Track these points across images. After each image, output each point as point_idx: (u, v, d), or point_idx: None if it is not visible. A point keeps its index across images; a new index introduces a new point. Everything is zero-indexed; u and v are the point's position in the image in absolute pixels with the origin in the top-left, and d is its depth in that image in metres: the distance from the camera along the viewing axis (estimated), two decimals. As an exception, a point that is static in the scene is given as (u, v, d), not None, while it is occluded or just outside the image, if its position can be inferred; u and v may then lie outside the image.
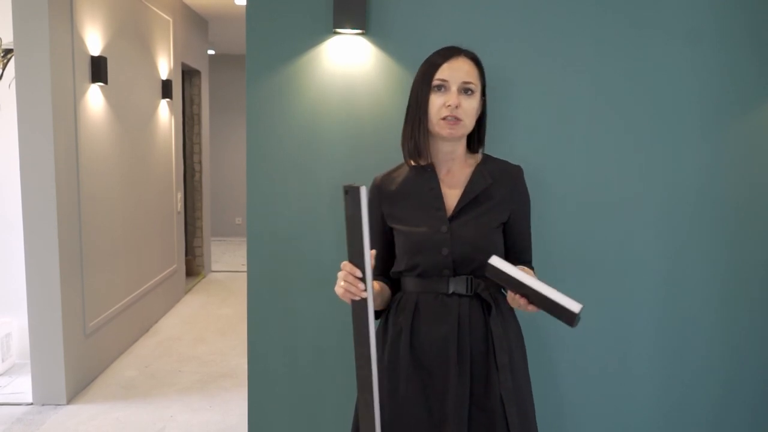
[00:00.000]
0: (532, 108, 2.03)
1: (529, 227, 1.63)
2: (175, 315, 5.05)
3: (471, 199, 1.53)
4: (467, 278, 1.51)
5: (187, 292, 5.79)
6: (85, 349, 3.53)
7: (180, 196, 5.47)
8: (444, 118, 1.50)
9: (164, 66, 4.97)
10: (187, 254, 6.19)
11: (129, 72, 4.20)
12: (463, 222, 1.52)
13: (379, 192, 1.61)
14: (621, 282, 2.09)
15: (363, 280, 1.29)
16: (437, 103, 1.51)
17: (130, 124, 4.24)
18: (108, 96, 3.83)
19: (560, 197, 2.05)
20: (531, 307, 1.35)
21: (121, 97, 4.06)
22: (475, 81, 1.53)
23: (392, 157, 1.74)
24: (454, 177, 1.58)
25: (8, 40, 3.33)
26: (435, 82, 1.51)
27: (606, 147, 2.04)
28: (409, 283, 1.56)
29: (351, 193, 1.25)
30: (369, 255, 1.29)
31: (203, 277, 6.42)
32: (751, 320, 2.12)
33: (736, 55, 2.02)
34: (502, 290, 1.60)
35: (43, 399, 3.28)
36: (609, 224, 2.07)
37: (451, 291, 1.51)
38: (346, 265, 1.31)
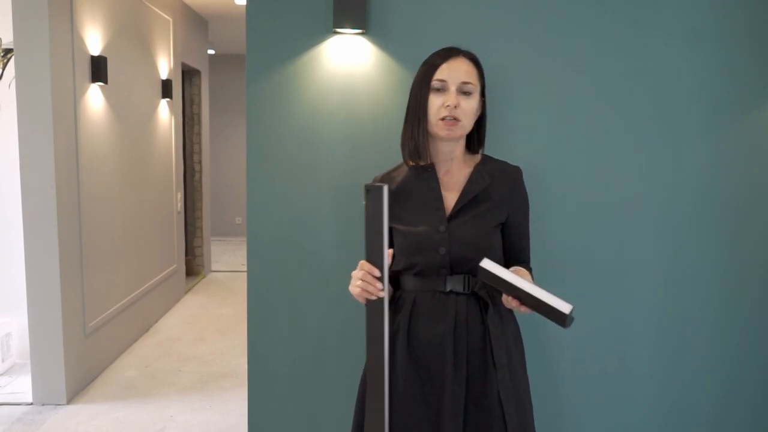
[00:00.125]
0: (532, 108, 2.03)
1: (527, 228, 1.64)
2: (175, 315, 5.05)
3: (469, 199, 1.54)
4: (464, 277, 1.52)
5: (187, 292, 5.79)
6: (85, 349, 3.53)
7: (180, 196, 5.47)
8: (443, 119, 1.50)
9: (164, 66, 4.97)
10: (187, 254, 6.19)
11: (129, 72, 4.20)
12: (461, 222, 1.52)
13: None
14: (621, 282, 2.09)
15: (380, 279, 1.29)
16: (436, 104, 1.51)
17: (130, 124, 4.24)
18: (108, 96, 3.83)
19: (560, 197, 2.05)
20: (523, 308, 1.37)
21: (121, 96, 4.06)
22: (474, 81, 1.53)
23: (392, 157, 1.74)
24: (453, 177, 1.58)
25: (8, 40, 3.33)
26: (434, 83, 1.51)
27: (606, 147, 2.04)
28: (408, 282, 1.56)
29: (373, 192, 1.26)
30: (387, 254, 1.29)
31: (203, 277, 6.42)
32: (751, 320, 2.12)
33: (736, 55, 2.02)
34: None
35: (43, 399, 3.28)
36: (609, 224, 2.07)
37: (448, 289, 1.52)
38: (364, 264, 1.32)
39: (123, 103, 4.09)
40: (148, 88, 4.63)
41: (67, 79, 3.30)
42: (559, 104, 2.03)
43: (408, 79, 1.79)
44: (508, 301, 1.38)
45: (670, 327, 2.11)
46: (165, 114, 5.02)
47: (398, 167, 1.65)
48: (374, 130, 2.02)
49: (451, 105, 1.49)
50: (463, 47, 1.57)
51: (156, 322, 4.81)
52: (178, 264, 5.45)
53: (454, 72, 1.51)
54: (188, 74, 6.20)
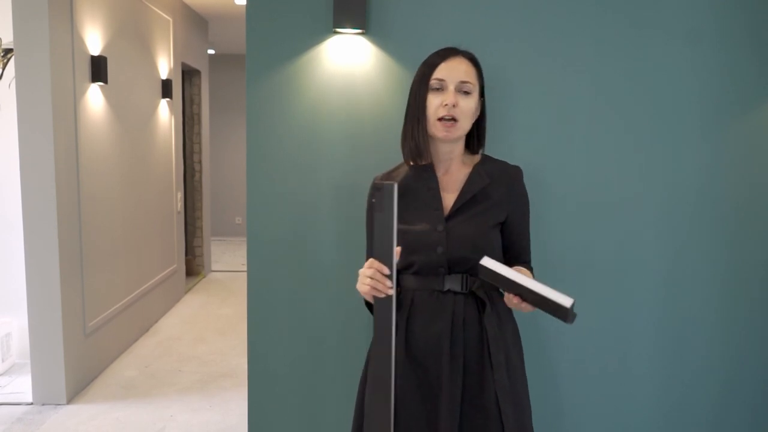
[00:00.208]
0: (532, 108, 2.03)
1: (527, 228, 1.64)
2: (175, 315, 5.05)
3: (468, 198, 1.54)
4: (462, 276, 1.52)
5: (187, 291, 5.79)
6: (85, 349, 3.53)
7: (180, 196, 5.47)
8: (440, 119, 1.50)
9: (164, 66, 4.97)
10: (187, 254, 6.19)
11: (129, 72, 4.20)
12: (460, 221, 1.52)
13: None
14: (621, 282, 2.09)
15: (389, 277, 1.31)
16: (434, 103, 1.51)
17: (130, 124, 4.24)
18: (108, 96, 3.83)
19: (560, 197, 2.05)
20: (524, 305, 1.37)
21: (121, 96, 4.06)
22: (473, 81, 1.53)
23: (392, 157, 1.74)
24: (452, 177, 1.59)
25: (8, 40, 3.33)
26: (432, 82, 1.52)
27: (606, 147, 2.04)
28: (406, 281, 1.56)
29: (383, 191, 1.27)
30: (396, 252, 1.30)
31: (203, 277, 6.42)
32: (751, 320, 2.12)
33: (736, 55, 2.02)
34: (499, 290, 1.60)
35: (43, 399, 3.28)
36: (609, 224, 2.07)
37: (446, 288, 1.52)
38: (373, 262, 1.33)
39: (123, 103, 4.09)
40: (148, 88, 4.63)
41: (67, 79, 3.30)
42: (559, 104, 2.03)
43: (408, 79, 1.79)
44: (509, 299, 1.38)
45: (670, 327, 2.11)
46: (165, 114, 5.02)
47: (398, 167, 1.65)
48: (374, 130, 2.02)
49: (449, 104, 1.49)
50: (463, 47, 1.58)
51: (156, 322, 4.81)
52: (178, 264, 5.45)
53: (453, 71, 1.51)
54: (188, 74, 6.20)
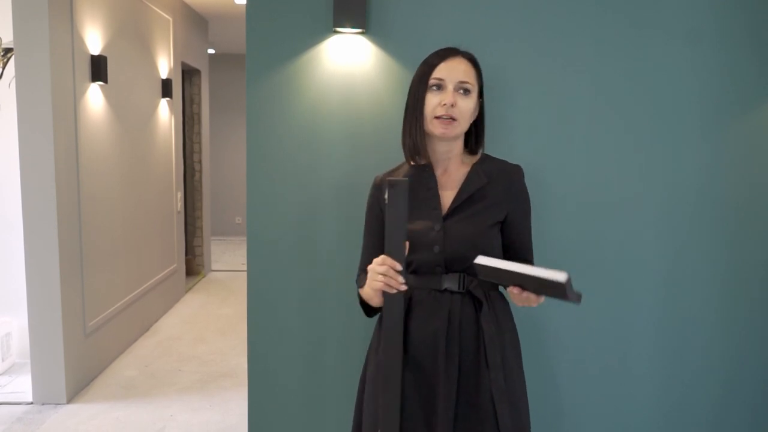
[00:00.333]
0: (532, 108, 2.03)
1: (528, 227, 1.63)
2: (175, 315, 5.05)
3: (465, 198, 1.54)
4: (460, 275, 1.52)
5: (187, 291, 5.79)
6: (85, 348, 3.53)
7: (180, 195, 5.47)
8: (438, 117, 1.50)
9: (164, 65, 4.97)
10: (187, 254, 6.19)
11: (129, 71, 4.20)
12: (457, 220, 1.53)
13: (379, 191, 1.62)
14: (621, 282, 2.09)
15: (401, 273, 1.35)
16: (433, 102, 1.52)
17: (130, 124, 4.24)
18: (108, 95, 3.83)
19: (560, 197, 2.05)
20: (526, 295, 1.33)
21: (121, 96, 4.06)
22: (472, 81, 1.53)
23: (392, 157, 1.74)
24: (451, 176, 1.59)
25: (8, 40, 3.33)
26: (432, 81, 1.52)
27: (606, 147, 2.04)
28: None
29: (397, 187, 1.29)
30: (405, 249, 1.34)
31: (203, 277, 6.42)
32: (751, 320, 2.12)
33: (736, 55, 2.02)
34: (500, 290, 1.60)
35: (43, 398, 3.28)
36: (609, 224, 2.07)
37: (443, 287, 1.52)
38: (386, 259, 1.35)
39: (123, 103, 4.08)
40: (148, 88, 4.63)
41: (67, 78, 3.30)
42: (559, 104, 2.03)
43: (408, 79, 1.79)
44: (512, 294, 1.37)
45: (670, 327, 2.11)
46: (165, 114, 5.02)
47: (399, 166, 1.66)
48: (374, 130, 2.02)
49: (448, 103, 1.50)
50: (463, 47, 1.58)
51: (156, 321, 4.81)
52: (178, 263, 5.45)
53: (453, 71, 1.52)
54: (188, 74, 6.20)
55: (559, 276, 1.21)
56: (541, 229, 1.94)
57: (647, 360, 2.12)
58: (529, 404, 1.60)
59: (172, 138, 5.22)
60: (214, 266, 6.99)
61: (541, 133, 2.03)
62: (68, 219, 3.30)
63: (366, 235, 1.66)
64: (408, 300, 1.54)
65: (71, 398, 3.34)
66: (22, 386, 3.45)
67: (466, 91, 1.52)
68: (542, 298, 1.36)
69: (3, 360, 3.65)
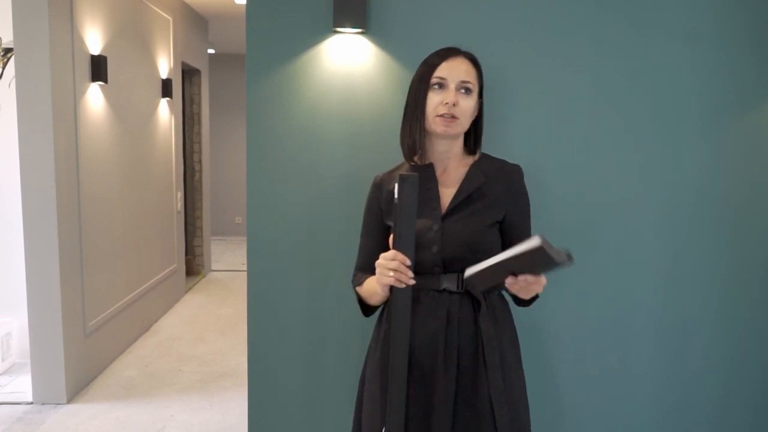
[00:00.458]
0: (531, 108, 2.03)
1: (528, 226, 1.63)
2: (175, 314, 5.05)
3: (464, 197, 1.54)
4: (458, 275, 1.52)
5: (187, 291, 5.79)
6: (85, 348, 3.53)
7: (180, 195, 5.47)
8: (440, 116, 1.51)
9: (164, 65, 4.97)
10: (187, 254, 6.19)
11: (129, 71, 4.20)
12: (455, 220, 1.53)
13: (378, 190, 1.63)
14: (621, 282, 2.09)
15: (410, 268, 1.36)
16: (435, 101, 1.52)
17: (130, 124, 4.24)
18: (108, 95, 3.83)
19: (560, 197, 2.05)
20: (523, 278, 1.30)
21: (121, 96, 4.06)
22: (473, 81, 1.53)
23: (392, 157, 1.74)
24: (450, 176, 1.59)
25: (8, 40, 3.33)
26: (433, 80, 1.52)
27: (606, 147, 2.04)
28: None
29: (407, 182, 1.29)
30: (414, 244, 1.36)
31: (203, 277, 6.42)
32: (751, 320, 2.12)
33: (736, 55, 2.02)
34: (501, 293, 1.60)
35: (43, 398, 3.28)
36: (609, 224, 2.07)
37: (442, 287, 1.52)
38: (397, 254, 1.36)
39: (123, 103, 4.08)
40: (148, 88, 4.63)
41: (67, 78, 3.30)
42: (559, 104, 2.03)
43: (408, 79, 1.79)
44: (512, 287, 1.33)
45: (670, 327, 2.11)
46: (165, 113, 5.02)
47: (400, 166, 1.66)
48: (374, 130, 2.02)
49: (450, 103, 1.50)
50: (463, 47, 1.58)
51: (156, 321, 4.81)
52: (178, 263, 5.45)
53: (454, 71, 1.52)
54: (188, 74, 6.20)
55: (533, 242, 1.19)
56: (540, 229, 1.93)
57: (647, 360, 2.12)
58: (529, 404, 1.60)
59: (172, 138, 5.22)
60: (214, 266, 6.99)
61: (540, 133, 2.03)
62: (68, 219, 3.30)
63: (364, 235, 1.66)
64: None
65: (71, 398, 3.34)
66: (22, 386, 3.46)
67: (468, 91, 1.52)
68: (543, 278, 1.33)
69: (3, 360, 3.65)
